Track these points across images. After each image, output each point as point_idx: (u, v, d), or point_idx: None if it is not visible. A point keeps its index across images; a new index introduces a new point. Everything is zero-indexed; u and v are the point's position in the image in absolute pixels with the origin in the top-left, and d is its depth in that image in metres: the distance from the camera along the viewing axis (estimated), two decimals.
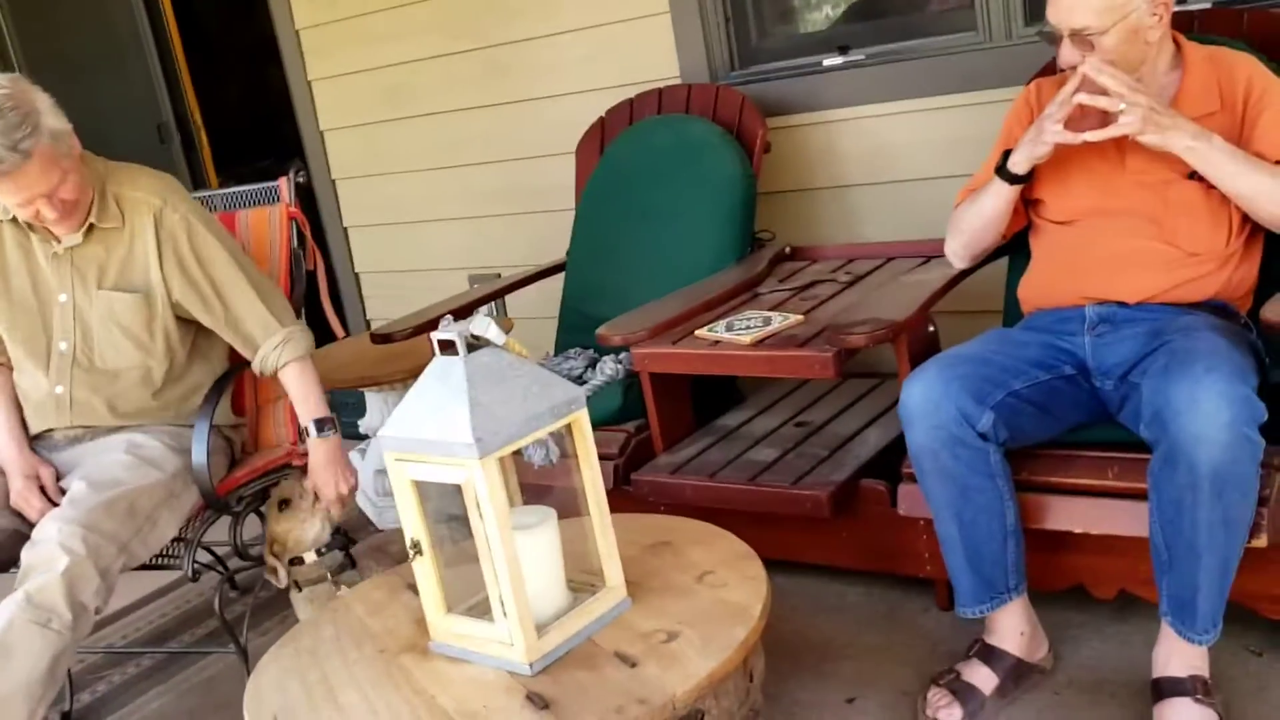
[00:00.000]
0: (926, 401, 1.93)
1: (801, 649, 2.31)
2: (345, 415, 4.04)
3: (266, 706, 1.79)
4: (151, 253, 2.29)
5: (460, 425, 1.67)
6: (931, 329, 2.32)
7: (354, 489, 2.42)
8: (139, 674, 2.73)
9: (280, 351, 2.36)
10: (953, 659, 2.09)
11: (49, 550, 2.02)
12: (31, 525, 2.17)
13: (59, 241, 2.29)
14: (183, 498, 2.32)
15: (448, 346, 1.76)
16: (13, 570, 2.21)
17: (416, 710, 1.69)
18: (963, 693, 2.01)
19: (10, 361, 2.39)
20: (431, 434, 1.72)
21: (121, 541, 2.12)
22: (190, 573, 2.34)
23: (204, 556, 2.79)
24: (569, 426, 1.81)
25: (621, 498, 2.40)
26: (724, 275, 2.75)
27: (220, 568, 2.82)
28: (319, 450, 2.37)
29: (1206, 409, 1.68)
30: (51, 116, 2.14)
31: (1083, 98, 1.92)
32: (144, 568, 2.32)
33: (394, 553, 2.65)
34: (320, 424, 2.37)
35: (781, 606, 2.22)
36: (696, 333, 2.40)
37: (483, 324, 1.77)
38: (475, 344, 1.76)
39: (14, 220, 2.30)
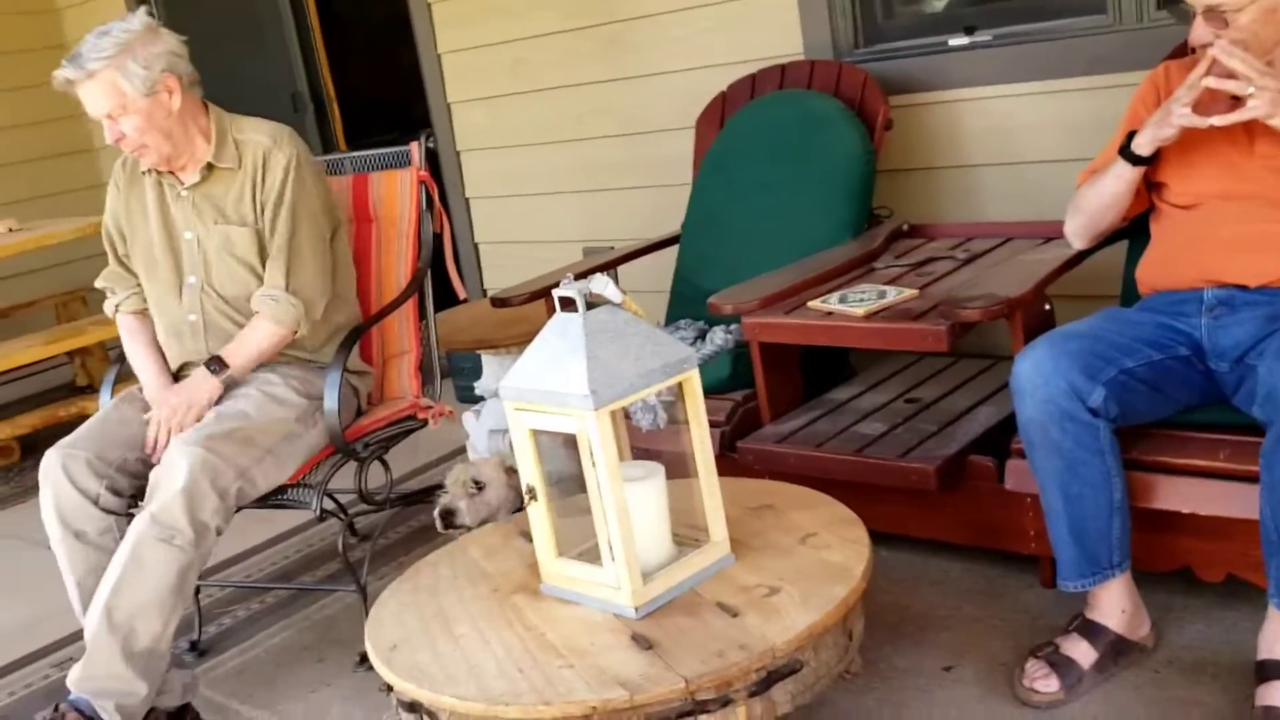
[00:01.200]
0: (1038, 375, 1.94)
1: (901, 619, 2.34)
2: (461, 378, 4.19)
3: (386, 636, 1.90)
4: (259, 186, 2.45)
5: (577, 378, 1.75)
6: (1047, 308, 2.32)
7: (177, 432, 2.35)
8: (263, 610, 2.88)
9: (264, 303, 2.45)
10: (1052, 633, 2.10)
11: (170, 469, 2.18)
12: None
13: (183, 184, 2.48)
14: (305, 438, 2.44)
15: (568, 303, 1.84)
16: None
17: (526, 644, 1.78)
18: (1061, 665, 2.02)
19: (149, 308, 2.58)
20: (550, 385, 1.80)
21: (239, 467, 2.26)
22: (318, 513, 2.47)
23: (329, 504, 2.93)
24: (679, 386, 1.88)
25: (726, 465, 2.43)
26: (839, 250, 2.77)
27: (342, 514, 2.95)
28: (193, 379, 2.43)
29: None
30: (144, 62, 2.33)
31: (1211, 81, 1.90)
32: (274, 507, 2.46)
33: None
34: (215, 363, 2.42)
35: (883, 578, 2.27)
36: (809, 304, 2.44)
37: (602, 283, 1.85)
38: (594, 302, 1.84)
39: (149, 172, 2.51)
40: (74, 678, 2.16)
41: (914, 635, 2.28)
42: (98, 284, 2.64)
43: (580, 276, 1.88)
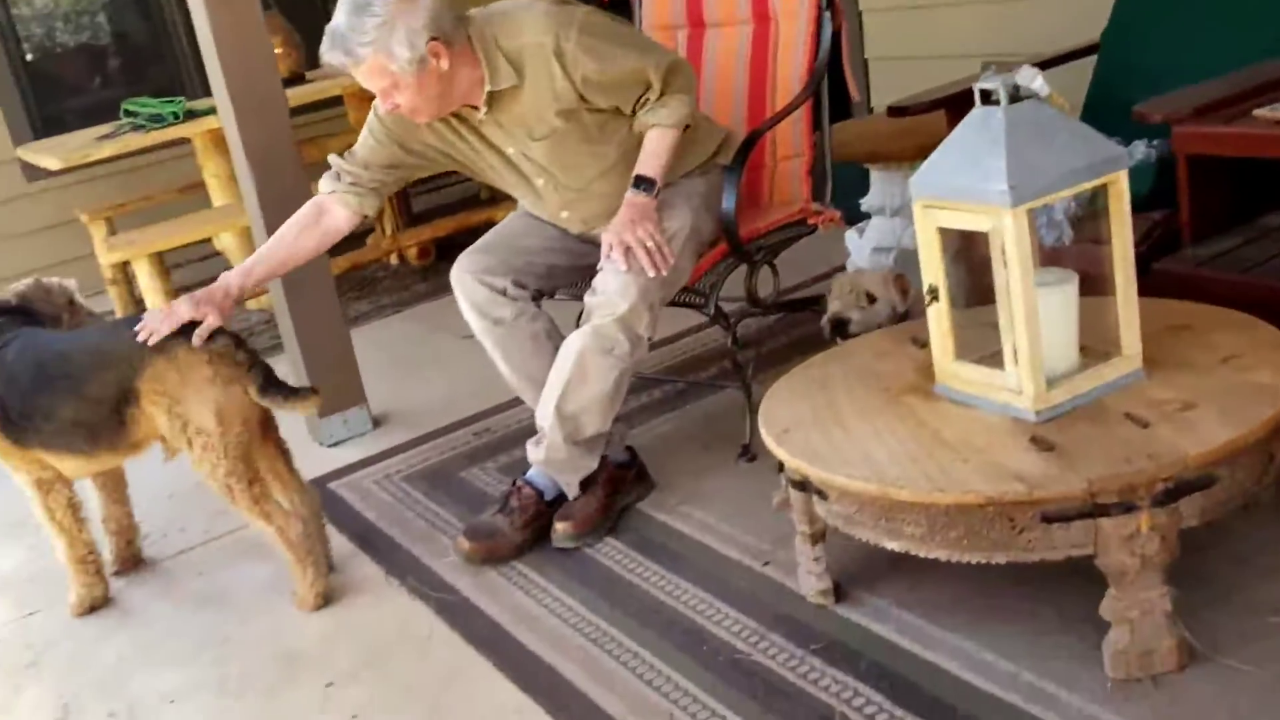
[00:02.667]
0: None
1: None
2: (843, 197, 4.16)
3: (778, 420, 1.99)
4: (561, 82, 2.33)
5: (996, 173, 1.70)
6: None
7: (650, 247, 2.30)
8: (653, 402, 3.09)
9: (649, 120, 2.38)
10: None
11: (609, 299, 2.31)
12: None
13: (478, 112, 2.41)
14: (699, 238, 2.52)
15: (988, 96, 1.78)
16: (560, 297, 2.61)
17: (919, 438, 1.81)
18: None
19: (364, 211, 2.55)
20: (965, 180, 1.77)
21: (664, 281, 2.37)
22: (712, 313, 2.59)
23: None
24: (1104, 189, 1.78)
25: (1139, 288, 2.30)
26: None
27: (726, 321, 3.05)
28: (631, 202, 2.36)
29: None
30: (407, 40, 2.19)
31: None
32: (672, 305, 2.60)
33: None
34: (641, 181, 2.36)
35: None
36: (1256, 113, 2.21)
37: (1029, 74, 1.77)
38: (1017, 96, 1.77)
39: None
40: (536, 457, 2.46)
41: None
42: (331, 158, 2.53)
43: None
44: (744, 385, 2.68)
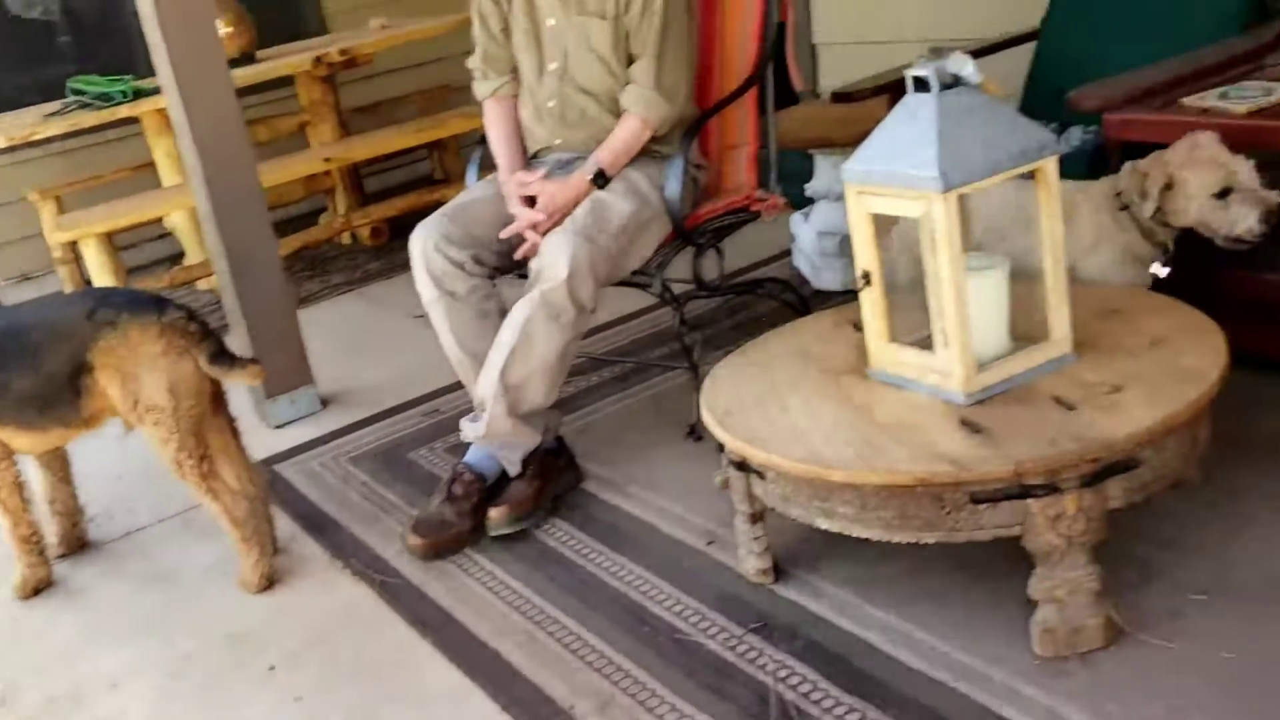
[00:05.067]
0: None
1: (1251, 439, 2.20)
2: (790, 184, 4.19)
3: (720, 402, 2.01)
4: None
5: (926, 159, 1.73)
6: None
7: (542, 227, 2.45)
8: (601, 382, 3.10)
9: (636, 101, 2.50)
10: None
11: (556, 259, 2.34)
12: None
13: None
14: (655, 225, 2.56)
15: (921, 83, 1.80)
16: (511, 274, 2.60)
17: (854, 419, 1.83)
18: None
19: (518, 92, 2.71)
20: (896, 166, 1.79)
21: (611, 254, 2.41)
22: (659, 293, 2.61)
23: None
24: (1036, 174, 1.81)
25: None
26: (1223, 45, 2.52)
27: (675, 301, 3.07)
28: (574, 180, 2.49)
29: None
30: None
31: None
32: (622, 284, 2.61)
33: None
34: (600, 178, 2.48)
35: (1234, 397, 2.11)
36: (1183, 101, 2.25)
37: (959, 61, 1.79)
38: (949, 83, 1.79)
39: None
40: (475, 434, 2.44)
41: (1264, 457, 2.15)
42: (469, 63, 2.73)
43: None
44: (691, 366, 2.70)
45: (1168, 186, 2.12)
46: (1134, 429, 1.63)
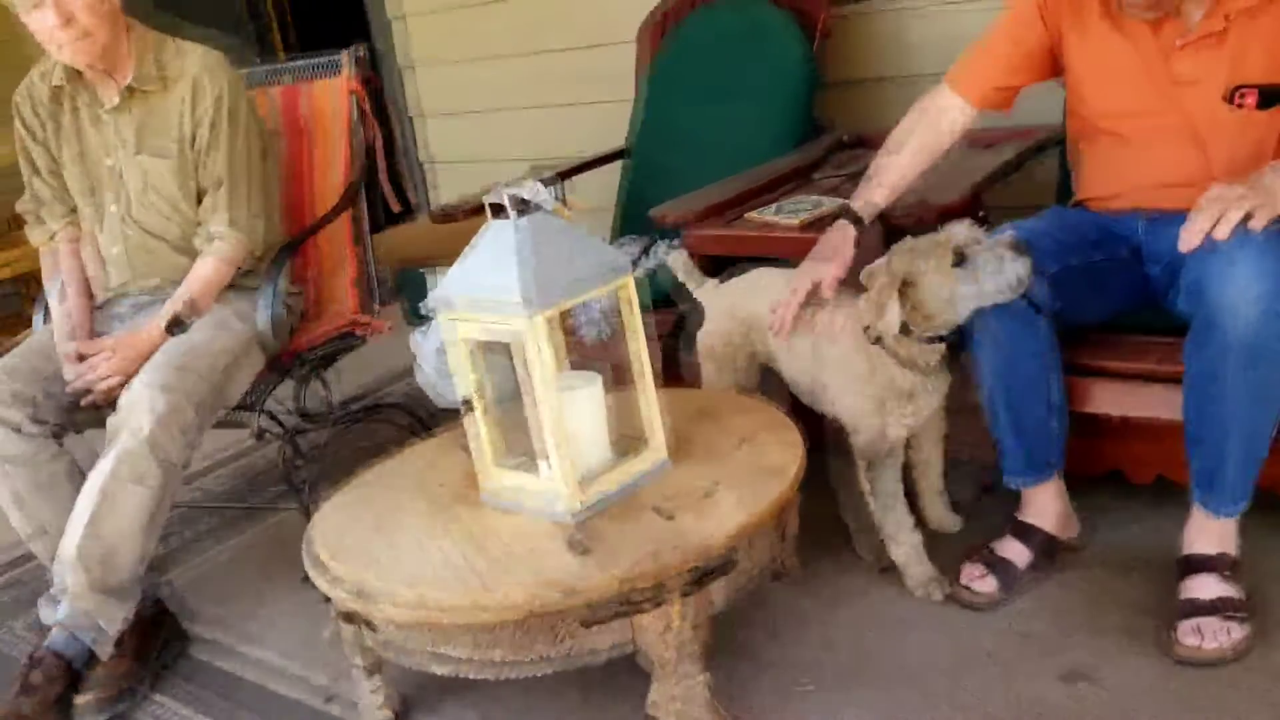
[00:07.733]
0: None
1: (842, 526, 2.36)
2: (408, 296, 4.14)
3: (325, 547, 1.90)
4: (187, 118, 2.37)
5: (510, 284, 1.74)
6: (982, 214, 2.32)
7: (109, 385, 2.30)
8: (209, 530, 2.87)
9: (209, 244, 2.41)
10: (987, 536, 2.14)
11: (134, 415, 2.13)
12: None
13: (103, 106, 2.39)
14: (250, 359, 2.42)
15: (499, 210, 1.82)
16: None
17: (464, 551, 1.78)
18: (997, 566, 2.05)
19: (79, 236, 2.50)
20: (483, 293, 1.79)
21: (196, 402, 2.23)
22: (257, 433, 2.46)
23: (271, 424, 2.90)
24: (619, 293, 1.87)
25: (672, 378, 2.45)
26: (780, 161, 2.76)
27: (284, 433, 2.92)
28: (146, 333, 2.34)
29: (1240, 279, 1.68)
30: None
31: None
32: (217, 426, 2.44)
33: None
34: (176, 326, 2.35)
35: (826, 486, 2.26)
36: (748, 215, 2.43)
37: (531, 188, 1.83)
38: (525, 209, 1.82)
39: (70, 80, 2.40)
40: (55, 617, 2.15)
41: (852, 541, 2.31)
42: (19, 206, 2.51)
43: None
44: (300, 504, 2.56)
45: (904, 287, 1.91)
46: (725, 532, 1.69)
